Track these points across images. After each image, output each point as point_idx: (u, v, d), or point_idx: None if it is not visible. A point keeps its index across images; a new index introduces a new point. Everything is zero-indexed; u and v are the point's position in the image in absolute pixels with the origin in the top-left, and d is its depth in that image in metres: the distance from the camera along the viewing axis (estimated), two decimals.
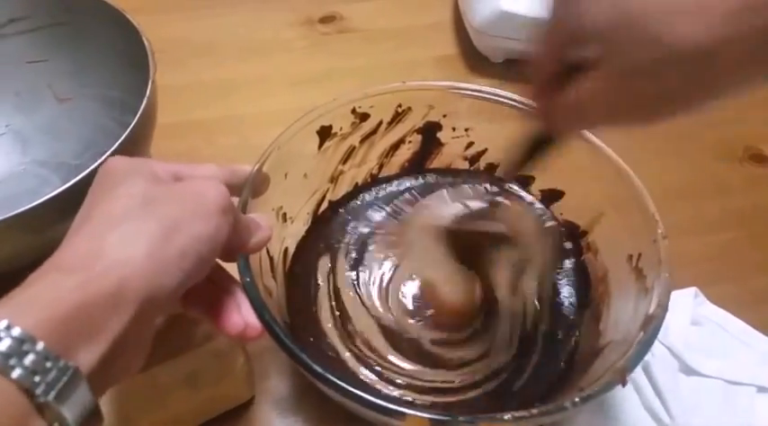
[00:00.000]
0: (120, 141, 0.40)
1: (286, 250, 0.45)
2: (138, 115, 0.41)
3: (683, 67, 0.26)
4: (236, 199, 0.36)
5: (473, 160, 0.51)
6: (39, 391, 0.22)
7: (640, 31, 0.26)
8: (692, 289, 0.46)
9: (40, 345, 0.23)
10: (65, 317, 0.24)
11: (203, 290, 0.32)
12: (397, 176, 0.51)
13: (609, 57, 0.28)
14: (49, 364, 0.23)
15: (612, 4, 0.27)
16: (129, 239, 0.27)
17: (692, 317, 0.45)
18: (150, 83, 0.43)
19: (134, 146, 0.41)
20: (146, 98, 0.42)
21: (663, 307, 0.36)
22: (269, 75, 0.64)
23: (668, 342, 0.43)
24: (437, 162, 0.51)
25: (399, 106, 0.48)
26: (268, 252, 0.41)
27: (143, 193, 0.28)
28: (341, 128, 0.46)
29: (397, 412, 0.31)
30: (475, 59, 0.66)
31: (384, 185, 0.51)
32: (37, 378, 0.23)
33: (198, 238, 0.28)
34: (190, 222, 0.28)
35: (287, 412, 0.42)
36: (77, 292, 0.24)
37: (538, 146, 0.37)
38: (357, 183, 0.50)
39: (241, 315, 0.33)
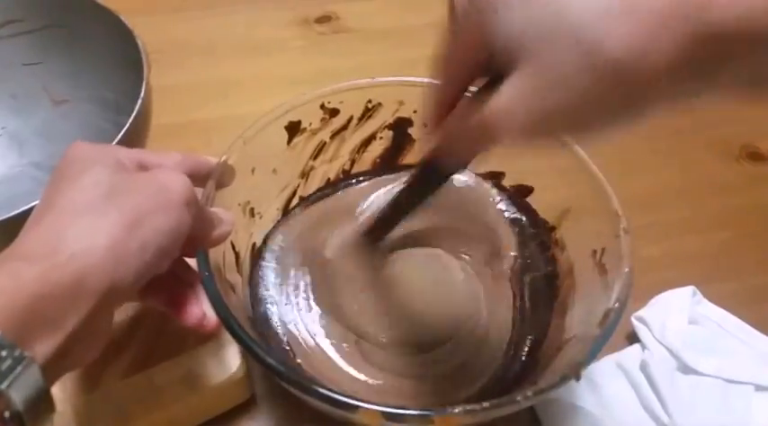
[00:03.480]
0: (114, 142, 0.40)
1: (254, 245, 0.45)
2: (132, 116, 0.41)
3: (608, 74, 0.24)
4: (199, 191, 0.36)
5: None
6: None
7: (563, 38, 0.24)
8: (690, 288, 0.46)
9: None
10: (23, 307, 0.24)
11: (163, 282, 0.32)
12: (370, 172, 0.51)
13: (529, 63, 0.25)
14: (4, 353, 0.23)
15: (537, 9, 0.25)
16: (91, 230, 0.26)
17: (689, 316, 0.45)
18: (144, 84, 0.43)
19: (129, 146, 0.41)
20: (140, 99, 0.42)
21: (621, 302, 0.35)
22: (266, 75, 0.64)
23: (666, 341, 0.43)
24: (410, 158, 0.51)
25: (369, 102, 0.47)
26: (233, 247, 0.41)
27: (107, 183, 0.28)
28: (310, 124, 0.46)
29: (349, 404, 0.31)
30: None
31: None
32: None
33: (160, 231, 0.28)
34: (152, 214, 0.28)
35: (285, 413, 0.42)
36: (37, 282, 0.24)
37: (429, 184, 0.36)
38: (329, 179, 0.50)
39: (200, 306, 0.34)
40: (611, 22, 0.23)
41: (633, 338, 0.45)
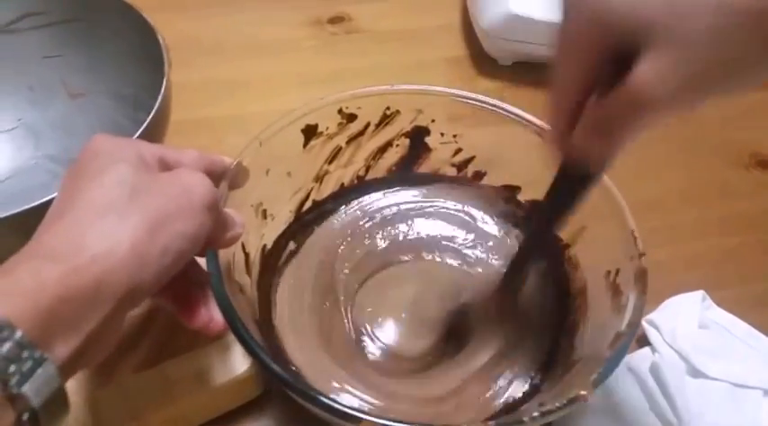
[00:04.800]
0: (134, 138, 0.40)
1: (264, 247, 0.45)
2: (152, 112, 0.41)
3: (747, 19, 0.24)
4: None
5: (461, 167, 0.50)
6: (13, 381, 0.22)
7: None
8: (700, 293, 0.46)
9: (19, 333, 0.22)
10: (45, 309, 0.24)
11: (173, 280, 0.32)
12: (385, 180, 0.51)
13: (666, 29, 0.25)
14: (25, 354, 0.23)
15: None
16: (113, 232, 0.26)
17: (699, 320, 0.45)
18: (165, 80, 0.43)
19: None
20: (160, 95, 0.42)
21: (632, 326, 0.35)
22: (277, 75, 0.65)
23: (676, 345, 0.43)
24: (425, 167, 0.51)
25: (387, 109, 0.47)
26: (244, 248, 0.41)
27: (130, 183, 0.28)
28: (327, 128, 0.46)
29: (352, 416, 0.30)
30: (483, 62, 0.67)
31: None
32: (12, 368, 0.22)
33: (181, 235, 0.28)
34: (175, 218, 0.28)
35: (296, 410, 0.42)
36: (59, 284, 0.24)
37: (575, 186, 0.34)
38: (343, 184, 0.50)
39: (208, 308, 0.33)
40: None
41: (643, 341, 0.45)
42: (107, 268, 0.25)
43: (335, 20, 0.71)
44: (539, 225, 0.40)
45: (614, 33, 0.26)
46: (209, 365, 0.39)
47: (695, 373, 0.42)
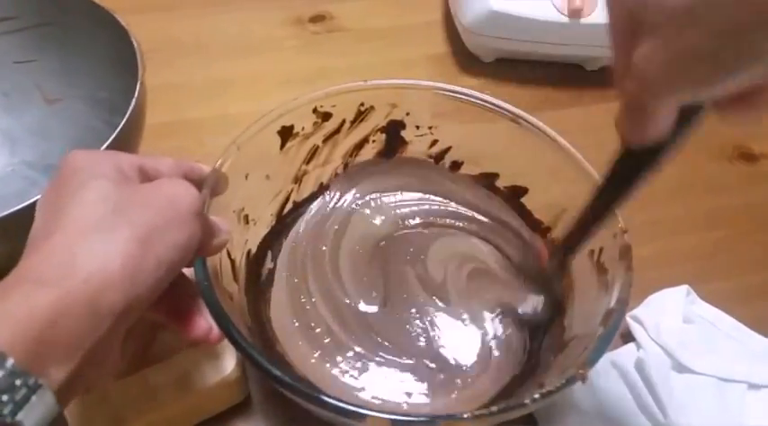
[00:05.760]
0: (108, 142, 0.39)
1: (248, 252, 0.45)
2: (126, 116, 0.41)
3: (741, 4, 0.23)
4: None
5: (438, 158, 0.50)
6: (6, 411, 0.22)
7: None
8: (684, 287, 0.46)
9: (10, 362, 0.22)
10: (38, 334, 0.23)
11: (164, 295, 0.31)
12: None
13: (660, 7, 0.25)
14: (18, 382, 0.22)
15: None
16: (104, 249, 0.26)
17: (684, 315, 0.45)
18: (139, 84, 0.43)
19: (123, 147, 0.41)
20: (134, 99, 0.42)
21: (622, 302, 0.35)
22: (260, 75, 0.64)
23: (661, 340, 0.43)
24: None
25: (362, 105, 0.47)
26: (229, 255, 0.41)
27: (114, 198, 0.28)
28: (303, 128, 0.46)
29: (356, 413, 0.30)
30: (466, 59, 0.66)
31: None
32: (5, 397, 0.22)
33: (173, 246, 0.28)
34: (164, 230, 0.28)
35: (280, 414, 0.42)
36: (51, 308, 0.24)
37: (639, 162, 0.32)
38: (322, 183, 0.50)
39: (205, 318, 0.33)
40: None
41: (628, 337, 0.45)
42: (100, 287, 0.25)
43: (317, 18, 0.71)
44: (597, 202, 0.37)
45: (633, 15, 0.26)
46: (192, 369, 0.39)
47: (680, 368, 0.42)
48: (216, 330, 0.33)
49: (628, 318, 0.45)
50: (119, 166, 0.30)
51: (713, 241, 0.53)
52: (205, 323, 0.33)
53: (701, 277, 0.48)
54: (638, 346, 0.44)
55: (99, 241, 0.26)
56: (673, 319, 0.44)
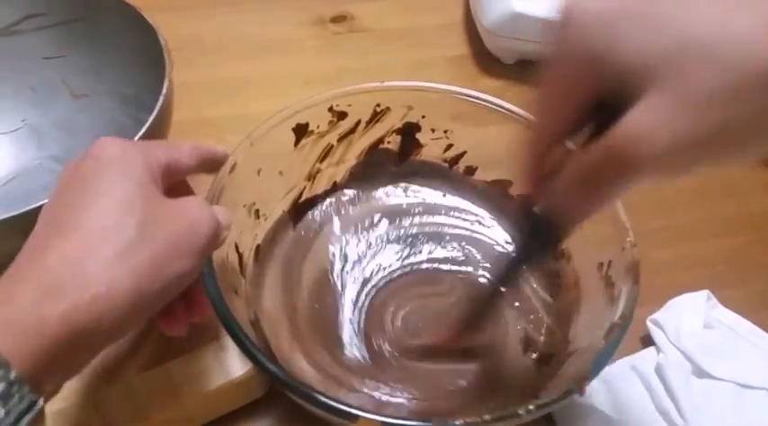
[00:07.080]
0: (136, 138, 0.40)
1: (257, 247, 0.45)
2: (154, 112, 0.41)
3: (758, 85, 0.22)
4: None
5: (452, 162, 0.50)
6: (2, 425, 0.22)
7: (700, 56, 0.22)
8: (705, 292, 0.46)
9: (13, 374, 0.22)
10: (44, 352, 0.23)
11: None
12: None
13: (667, 83, 0.23)
14: (17, 394, 0.22)
15: (660, 32, 0.23)
16: (117, 266, 0.26)
17: (704, 320, 0.45)
18: (166, 81, 0.43)
19: None
20: (162, 96, 0.42)
21: (626, 317, 0.35)
22: (280, 74, 0.65)
23: (681, 345, 0.43)
24: None
25: (378, 106, 0.47)
26: (237, 248, 0.41)
27: (139, 211, 0.27)
28: (318, 126, 0.46)
29: (348, 413, 0.30)
30: (486, 60, 0.66)
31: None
32: (3, 409, 0.22)
33: (181, 274, 0.28)
34: (177, 257, 0.28)
35: (300, 409, 0.42)
36: (59, 325, 0.24)
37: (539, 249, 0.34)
38: (335, 182, 0.50)
39: (185, 320, 0.34)
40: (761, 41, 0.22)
41: (648, 341, 0.45)
42: (105, 309, 0.25)
43: (338, 19, 0.71)
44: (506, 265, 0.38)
45: (611, 74, 0.24)
46: (214, 364, 0.39)
47: (700, 373, 0.42)
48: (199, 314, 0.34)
49: (648, 322, 0.45)
50: (149, 166, 0.30)
51: (733, 246, 0.53)
52: (182, 324, 0.34)
53: (722, 282, 0.48)
54: (659, 350, 0.44)
55: (114, 256, 0.26)
56: (693, 324, 0.44)
